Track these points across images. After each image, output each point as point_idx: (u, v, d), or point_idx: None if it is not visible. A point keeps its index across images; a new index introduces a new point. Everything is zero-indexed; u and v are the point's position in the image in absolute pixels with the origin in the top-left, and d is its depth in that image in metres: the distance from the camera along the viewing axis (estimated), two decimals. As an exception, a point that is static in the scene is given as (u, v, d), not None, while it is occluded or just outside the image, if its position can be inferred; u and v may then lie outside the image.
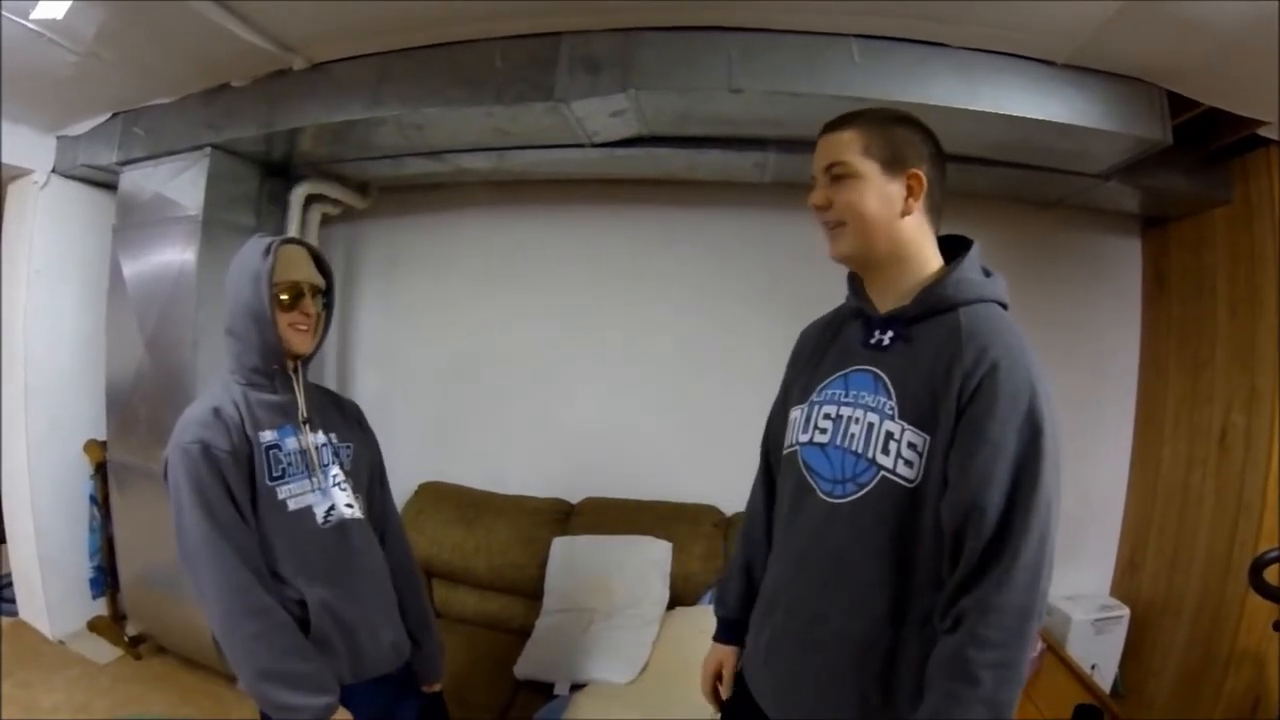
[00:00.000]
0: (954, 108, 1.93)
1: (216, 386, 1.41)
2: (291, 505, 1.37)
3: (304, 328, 1.41)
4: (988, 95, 1.95)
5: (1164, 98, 2.03)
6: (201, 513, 1.26)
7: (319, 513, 1.40)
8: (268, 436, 1.37)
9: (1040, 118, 1.96)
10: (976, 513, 0.94)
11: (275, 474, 1.36)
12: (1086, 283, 2.77)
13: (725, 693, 1.39)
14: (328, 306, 1.50)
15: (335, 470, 1.45)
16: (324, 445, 1.46)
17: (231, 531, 1.27)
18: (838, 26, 1.93)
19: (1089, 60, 1.95)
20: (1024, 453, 0.95)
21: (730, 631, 1.39)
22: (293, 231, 2.88)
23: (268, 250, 1.36)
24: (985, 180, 2.42)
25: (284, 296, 1.38)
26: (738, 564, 1.39)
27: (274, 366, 1.40)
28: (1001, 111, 1.95)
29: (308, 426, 1.43)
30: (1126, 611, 2.61)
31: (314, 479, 1.41)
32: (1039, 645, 2.28)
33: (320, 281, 1.46)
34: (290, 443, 1.39)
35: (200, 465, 1.27)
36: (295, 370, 1.45)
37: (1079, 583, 2.73)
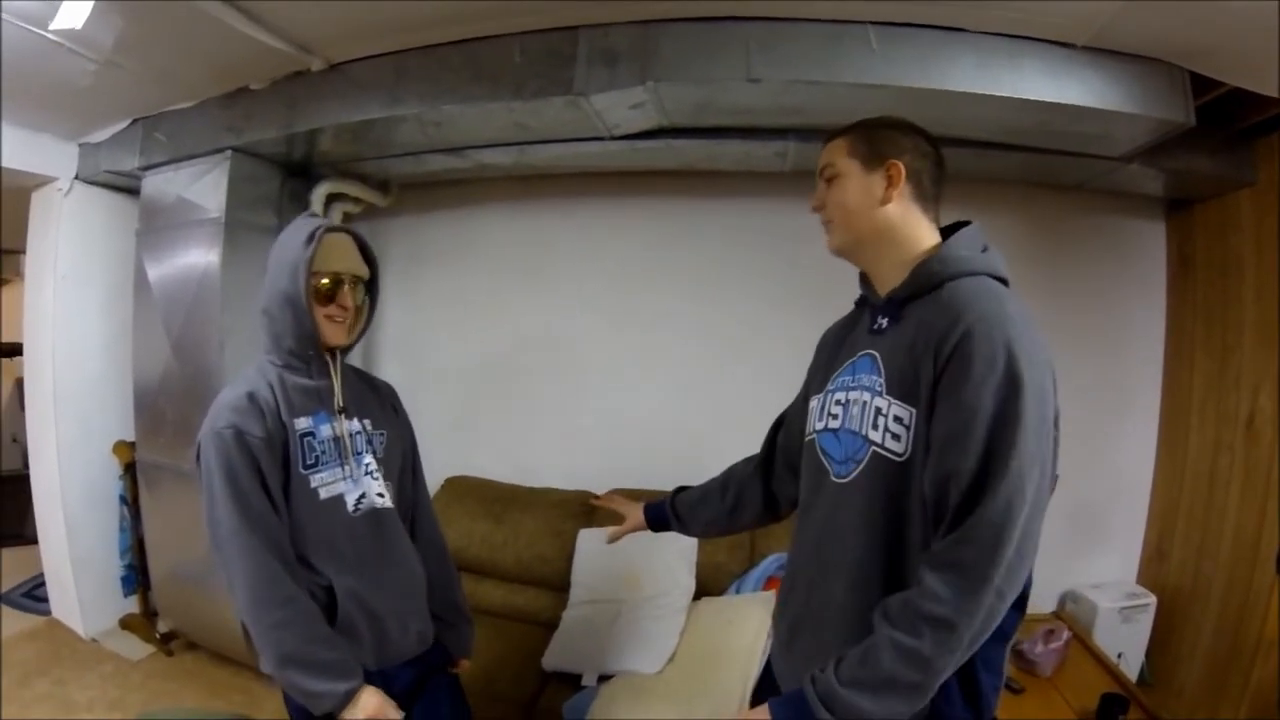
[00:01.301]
0: (973, 93, 1.92)
1: (252, 370, 1.41)
2: (323, 494, 1.37)
3: (340, 320, 1.40)
4: (1007, 80, 1.93)
5: (1186, 78, 2.00)
6: (232, 499, 1.26)
7: (350, 501, 1.41)
8: (302, 424, 1.37)
9: (1061, 101, 1.95)
10: (953, 480, 0.94)
11: (309, 462, 1.36)
12: (1110, 267, 2.74)
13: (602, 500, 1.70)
14: (372, 296, 1.49)
15: (368, 459, 1.46)
16: (358, 433, 1.46)
17: (262, 519, 1.28)
18: (855, 14, 1.92)
19: (1109, 42, 1.93)
20: (998, 414, 0.92)
21: (656, 506, 1.57)
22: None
23: (310, 237, 1.35)
24: (1006, 165, 2.41)
25: (324, 283, 1.37)
26: (713, 482, 1.54)
27: (310, 352, 1.40)
28: (1021, 96, 1.93)
29: (343, 415, 1.43)
30: (1153, 599, 2.58)
31: (346, 467, 1.42)
32: (1064, 634, 2.27)
33: (364, 271, 1.45)
34: (324, 430, 1.40)
35: (232, 451, 1.27)
36: (333, 356, 1.45)
37: (1105, 570, 2.72)
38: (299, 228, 1.38)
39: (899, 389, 1.03)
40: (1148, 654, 2.60)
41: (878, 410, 1.05)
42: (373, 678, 1.34)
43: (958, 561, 0.92)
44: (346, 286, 1.40)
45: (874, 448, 1.04)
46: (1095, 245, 2.74)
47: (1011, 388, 0.92)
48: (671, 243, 2.99)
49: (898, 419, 1.02)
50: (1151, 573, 2.73)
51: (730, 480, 1.49)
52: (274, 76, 2.48)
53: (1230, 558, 2.36)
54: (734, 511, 1.47)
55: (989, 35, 1.94)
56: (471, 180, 3.05)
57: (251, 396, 1.33)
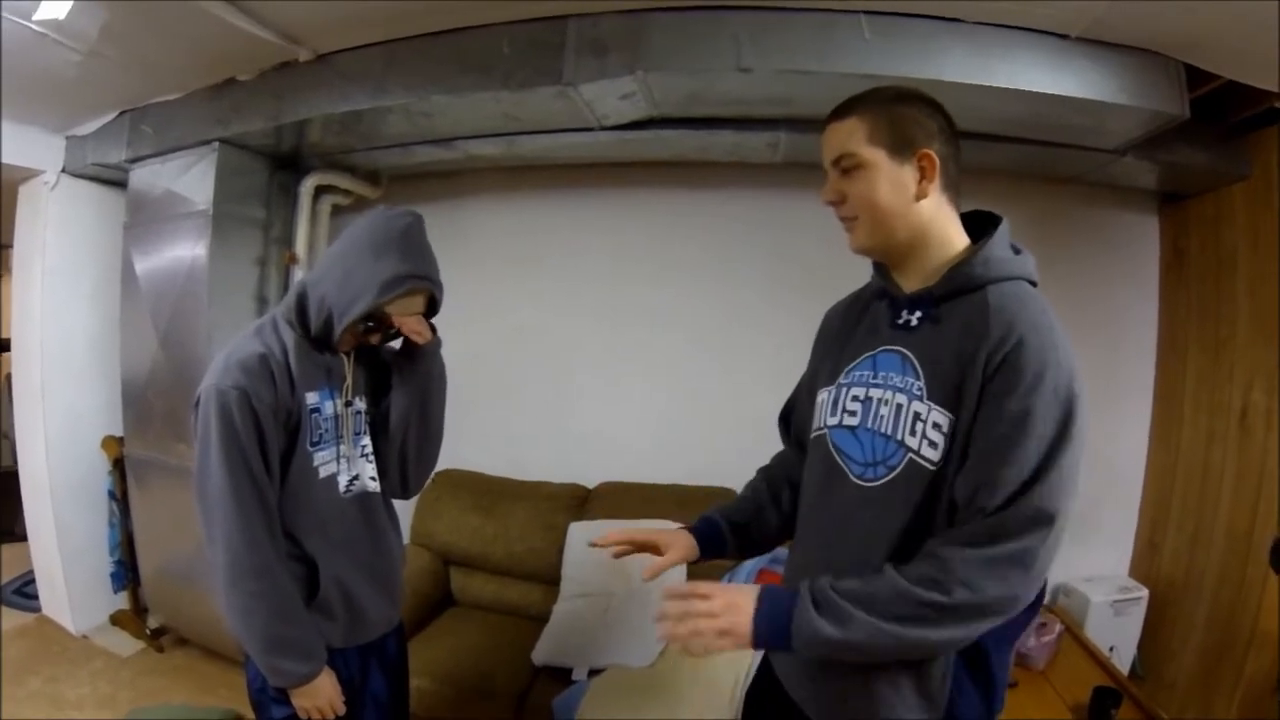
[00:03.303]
0: (967, 84, 1.90)
1: (266, 326, 1.37)
2: (322, 472, 1.37)
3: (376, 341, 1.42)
4: (1001, 70, 1.91)
5: (1181, 70, 1.99)
6: (227, 460, 1.23)
7: (342, 481, 1.40)
8: (312, 399, 1.35)
9: (1055, 92, 1.93)
10: (986, 487, 0.92)
11: (314, 439, 1.35)
12: (1103, 260, 2.73)
13: (633, 557, 1.34)
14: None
15: (365, 440, 1.45)
16: (359, 414, 1.45)
17: (254, 484, 1.25)
18: (847, 4, 1.90)
19: (1104, 33, 1.91)
20: (1041, 427, 0.91)
21: (703, 522, 1.32)
22: (303, 222, 2.90)
23: (400, 281, 1.31)
24: (1000, 156, 2.39)
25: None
26: (756, 490, 1.35)
27: (332, 346, 1.38)
28: (1016, 87, 1.92)
29: (348, 393, 1.42)
30: (1145, 593, 2.58)
31: (343, 446, 1.41)
32: (1057, 627, 2.27)
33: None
34: (328, 407, 1.38)
35: (235, 413, 1.23)
36: (349, 352, 1.44)
37: (1098, 564, 2.72)
38: (398, 245, 1.35)
39: (940, 394, 0.99)
40: (1140, 647, 2.60)
41: (916, 415, 1.00)
42: (334, 656, 1.36)
43: (964, 559, 0.91)
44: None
45: (911, 454, 1.00)
46: (1088, 238, 2.73)
47: (1056, 401, 0.91)
48: (661, 234, 2.98)
49: (936, 425, 0.98)
50: (1144, 566, 2.73)
51: (780, 490, 1.33)
52: (261, 67, 2.46)
53: (1223, 551, 2.36)
54: (792, 520, 1.31)
55: (983, 25, 1.92)
56: (460, 171, 3.03)
57: (264, 360, 1.29)
